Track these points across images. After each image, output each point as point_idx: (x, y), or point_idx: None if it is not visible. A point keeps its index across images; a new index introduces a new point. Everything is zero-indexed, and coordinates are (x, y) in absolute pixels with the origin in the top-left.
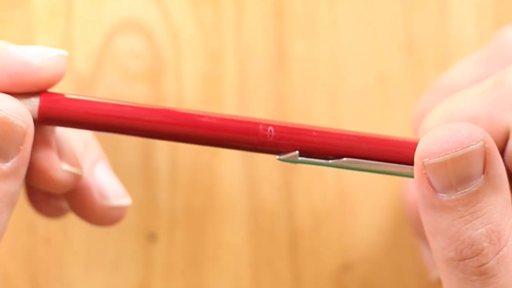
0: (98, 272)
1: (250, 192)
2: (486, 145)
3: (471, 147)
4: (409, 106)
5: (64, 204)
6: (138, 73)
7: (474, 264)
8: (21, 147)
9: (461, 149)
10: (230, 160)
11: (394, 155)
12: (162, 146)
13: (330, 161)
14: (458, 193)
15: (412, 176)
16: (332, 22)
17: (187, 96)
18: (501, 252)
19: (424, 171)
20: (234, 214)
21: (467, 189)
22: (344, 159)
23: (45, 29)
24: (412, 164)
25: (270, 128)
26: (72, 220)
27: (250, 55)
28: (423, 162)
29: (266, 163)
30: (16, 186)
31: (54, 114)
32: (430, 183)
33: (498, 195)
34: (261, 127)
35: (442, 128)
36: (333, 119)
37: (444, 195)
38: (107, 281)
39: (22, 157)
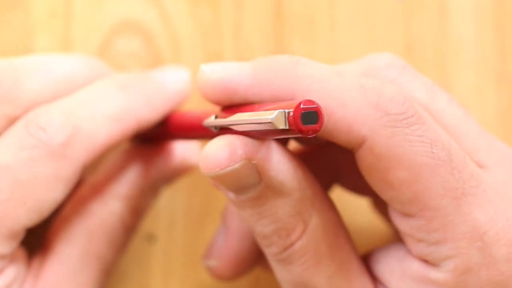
0: None
1: None
2: (253, 162)
3: (229, 168)
4: None
5: None
6: None
7: (271, 252)
8: None
9: (220, 170)
10: None
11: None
12: None
13: None
14: (242, 196)
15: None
16: (332, 24)
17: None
18: (294, 246)
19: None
20: None
21: (248, 195)
22: None
23: (44, 30)
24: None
25: None
26: None
27: (249, 57)
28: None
29: None
30: None
31: None
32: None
33: (283, 198)
34: None
35: (210, 145)
36: None
37: (233, 195)
38: (106, 281)
39: None
